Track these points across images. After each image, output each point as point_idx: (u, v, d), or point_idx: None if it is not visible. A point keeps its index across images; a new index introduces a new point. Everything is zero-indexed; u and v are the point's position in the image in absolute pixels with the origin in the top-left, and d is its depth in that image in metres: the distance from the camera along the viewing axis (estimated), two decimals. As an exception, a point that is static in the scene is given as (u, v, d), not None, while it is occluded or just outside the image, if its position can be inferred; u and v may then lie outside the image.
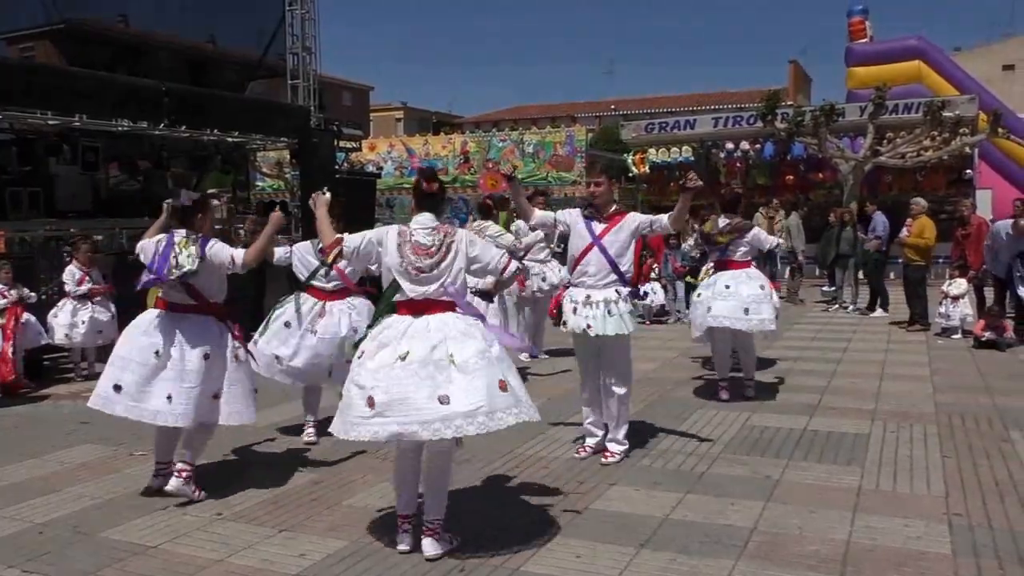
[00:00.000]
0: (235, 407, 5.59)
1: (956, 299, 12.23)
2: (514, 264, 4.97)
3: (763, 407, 7.93)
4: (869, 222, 15.01)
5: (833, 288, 16.53)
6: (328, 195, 5.17)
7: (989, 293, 12.40)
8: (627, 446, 6.35)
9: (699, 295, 8.39)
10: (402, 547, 4.58)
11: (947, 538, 4.67)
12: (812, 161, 22.28)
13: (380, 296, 4.91)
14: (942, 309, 12.41)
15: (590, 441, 6.49)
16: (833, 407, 7.89)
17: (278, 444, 6.97)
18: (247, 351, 5.84)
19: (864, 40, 26.67)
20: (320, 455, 6.52)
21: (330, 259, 4.98)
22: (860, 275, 15.85)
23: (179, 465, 5.54)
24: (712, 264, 8.61)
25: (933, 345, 11.61)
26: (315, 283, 6.88)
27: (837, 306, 15.90)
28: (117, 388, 5.39)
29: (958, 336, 11.97)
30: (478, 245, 4.90)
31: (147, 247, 5.62)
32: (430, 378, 4.33)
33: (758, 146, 22.81)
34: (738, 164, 23.54)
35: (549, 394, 8.48)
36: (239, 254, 5.53)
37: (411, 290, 4.65)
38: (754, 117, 22.28)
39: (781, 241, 9.01)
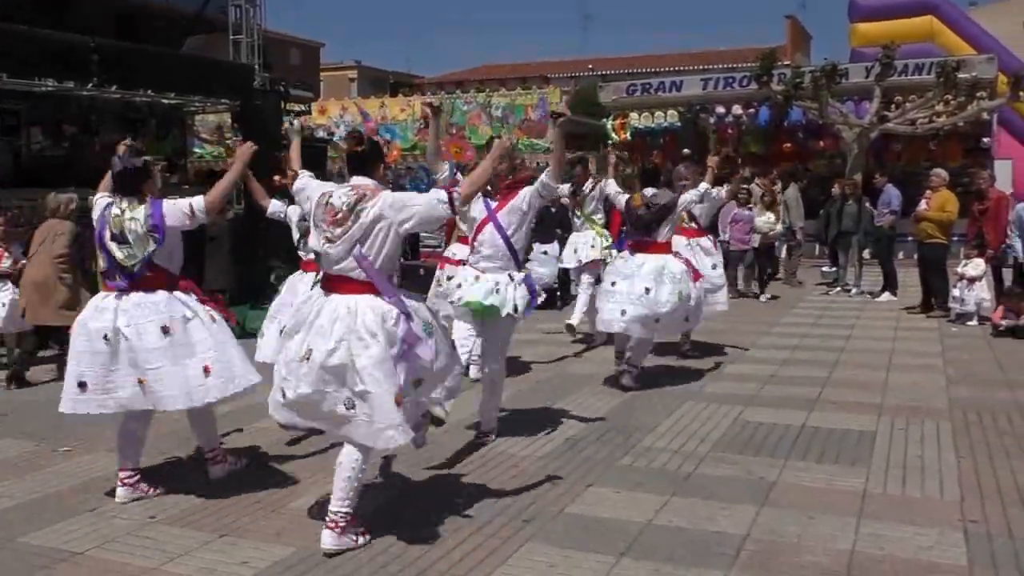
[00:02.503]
0: (227, 374, 5.43)
1: (973, 281, 12.28)
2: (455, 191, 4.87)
3: (757, 401, 7.95)
4: (877, 195, 15.05)
5: (835, 268, 16.58)
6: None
7: (1008, 275, 12.46)
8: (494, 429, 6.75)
9: (613, 283, 8.30)
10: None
11: (962, 547, 4.69)
12: (812, 127, 22.37)
13: None
14: (956, 292, 12.45)
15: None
16: (835, 401, 7.92)
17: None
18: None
19: (871, -8, 26.75)
20: (264, 453, 6.47)
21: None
22: (865, 254, 15.91)
23: (122, 473, 5.53)
24: (629, 244, 8.58)
25: (947, 332, 11.69)
26: (300, 254, 7.22)
27: (839, 289, 15.96)
28: (82, 385, 5.33)
29: (974, 323, 12.07)
30: (405, 203, 4.79)
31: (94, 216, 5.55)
32: (329, 384, 4.61)
33: (752, 110, 22.90)
34: (730, 130, 23.61)
35: (518, 385, 8.45)
36: (197, 201, 5.45)
37: (324, 262, 4.83)
38: (748, 78, 22.36)
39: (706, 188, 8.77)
